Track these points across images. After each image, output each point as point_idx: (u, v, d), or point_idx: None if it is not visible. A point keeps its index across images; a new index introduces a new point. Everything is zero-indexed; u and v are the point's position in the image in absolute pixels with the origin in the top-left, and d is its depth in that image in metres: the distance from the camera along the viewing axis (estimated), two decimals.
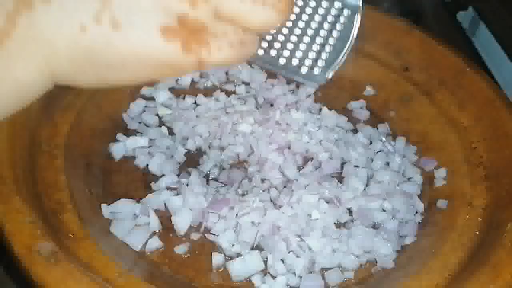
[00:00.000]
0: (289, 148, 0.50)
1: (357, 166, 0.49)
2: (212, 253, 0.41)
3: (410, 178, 0.48)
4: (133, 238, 0.41)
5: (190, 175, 0.46)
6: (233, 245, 0.41)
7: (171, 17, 0.23)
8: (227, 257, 0.41)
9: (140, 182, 0.46)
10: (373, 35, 0.55)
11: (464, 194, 0.44)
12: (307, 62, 0.32)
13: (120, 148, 0.48)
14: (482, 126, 0.47)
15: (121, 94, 0.52)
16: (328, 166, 0.48)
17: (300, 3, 0.32)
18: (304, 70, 0.32)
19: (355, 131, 0.53)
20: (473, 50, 0.69)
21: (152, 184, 0.45)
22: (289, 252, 0.41)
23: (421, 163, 0.49)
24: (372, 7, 0.55)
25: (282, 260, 0.41)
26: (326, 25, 0.32)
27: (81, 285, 0.31)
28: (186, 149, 0.49)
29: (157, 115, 0.52)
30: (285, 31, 0.32)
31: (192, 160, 0.49)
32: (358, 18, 0.32)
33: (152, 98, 0.53)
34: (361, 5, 0.32)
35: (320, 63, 0.33)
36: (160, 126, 0.51)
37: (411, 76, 0.54)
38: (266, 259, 0.41)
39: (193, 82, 0.56)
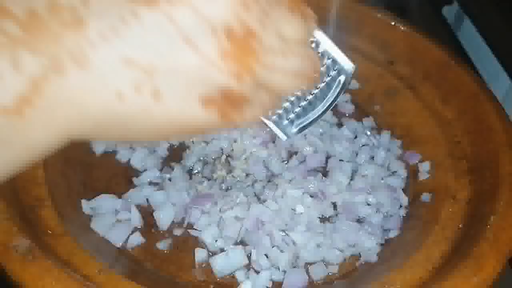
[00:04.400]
0: (273, 142, 0.49)
1: (341, 160, 0.48)
2: (195, 249, 0.41)
3: (395, 172, 0.48)
4: (114, 234, 0.40)
5: (173, 170, 0.46)
6: (216, 241, 0.41)
7: (214, 88, 0.22)
8: (210, 253, 0.41)
9: (121, 177, 0.45)
10: (358, 28, 0.54)
11: (448, 187, 0.44)
12: (284, 112, 0.31)
13: (101, 142, 0.47)
14: (466, 120, 0.47)
15: None
16: (312, 160, 0.48)
17: None
18: (277, 118, 0.31)
19: (340, 125, 0.52)
20: (458, 44, 0.69)
21: (134, 179, 0.45)
22: (273, 246, 0.41)
23: (405, 157, 0.49)
24: (357, 1, 0.55)
25: (266, 255, 0.40)
26: (317, 84, 0.31)
27: (59, 282, 0.30)
28: (168, 144, 0.48)
29: None
30: None
31: (175, 154, 0.48)
32: (345, 88, 0.31)
33: None
34: (351, 76, 0.31)
35: (295, 117, 0.32)
36: None
37: (396, 70, 0.54)
38: (250, 254, 0.40)
39: None
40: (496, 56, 0.61)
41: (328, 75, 0.31)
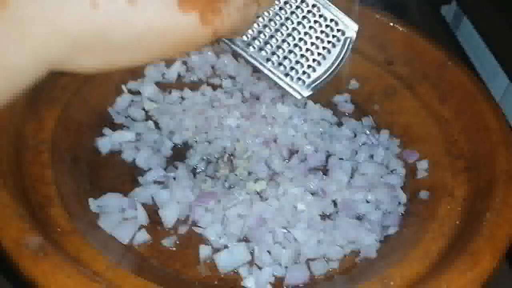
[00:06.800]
0: (275, 141, 0.50)
1: (341, 159, 0.50)
2: (200, 246, 0.41)
3: (393, 170, 0.49)
4: (121, 232, 0.41)
5: (177, 169, 0.47)
6: (220, 238, 0.42)
7: None
8: (214, 249, 0.42)
9: (127, 176, 0.46)
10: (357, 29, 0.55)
11: (445, 185, 0.45)
12: (294, 73, 0.33)
13: (106, 142, 0.48)
14: (463, 119, 0.48)
15: (107, 88, 0.52)
16: (313, 159, 0.49)
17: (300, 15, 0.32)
18: (289, 79, 0.33)
19: (340, 124, 0.53)
20: (456, 43, 0.70)
21: (139, 178, 0.46)
22: (275, 243, 0.42)
23: (404, 155, 0.50)
24: (356, 1, 0.56)
25: (269, 251, 0.41)
26: (323, 44, 0.33)
27: (70, 278, 0.31)
28: (173, 143, 0.50)
29: (144, 109, 0.52)
30: (280, 37, 0.32)
31: (179, 154, 0.49)
32: (351, 47, 0.33)
33: (138, 93, 0.53)
34: (356, 35, 0.33)
35: (306, 77, 0.33)
36: (146, 120, 0.51)
37: (394, 70, 0.55)
38: (252, 251, 0.41)
39: (179, 76, 0.57)
40: (495, 55, 0.62)
41: (333, 36, 0.33)
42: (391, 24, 0.55)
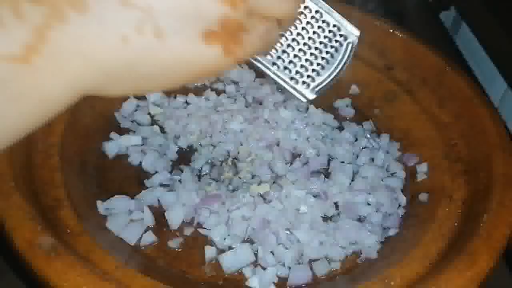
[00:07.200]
0: (277, 145, 0.51)
1: (343, 162, 0.50)
2: (205, 247, 0.42)
3: (394, 173, 0.50)
4: (128, 233, 0.42)
5: (182, 172, 0.48)
6: (224, 239, 0.43)
7: (212, 21, 0.23)
8: (219, 250, 0.42)
9: (133, 179, 0.47)
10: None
11: (444, 188, 0.46)
12: (299, 76, 0.34)
13: (113, 146, 0.49)
14: (461, 123, 0.49)
15: None
16: (315, 162, 0.50)
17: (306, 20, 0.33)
18: (294, 83, 0.34)
19: (341, 128, 0.54)
20: (455, 49, 0.71)
21: (146, 181, 0.47)
22: (279, 244, 0.43)
23: (404, 159, 0.51)
24: (356, 8, 0.57)
25: (272, 252, 0.42)
26: (326, 49, 0.34)
27: (82, 277, 0.32)
28: (178, 147, 0.51)
29: (149, 114, 0.53)
30: (285, 42, 0.33)
31: (184, 157, 0.50)
32: (352, 51, 0.34)
33: (144, 98, 0.54)
34: (357, 40, 0.34)
35: (310, 80, 0.34)
36: (152, 124, 0.52)
37: (394, 75, 0.56)
38: (256, 252, 0.42)
39: None
40: (493, 60, 0.63)
41: (335, 41, 0.34)
42: (391, 30, 0.56)
